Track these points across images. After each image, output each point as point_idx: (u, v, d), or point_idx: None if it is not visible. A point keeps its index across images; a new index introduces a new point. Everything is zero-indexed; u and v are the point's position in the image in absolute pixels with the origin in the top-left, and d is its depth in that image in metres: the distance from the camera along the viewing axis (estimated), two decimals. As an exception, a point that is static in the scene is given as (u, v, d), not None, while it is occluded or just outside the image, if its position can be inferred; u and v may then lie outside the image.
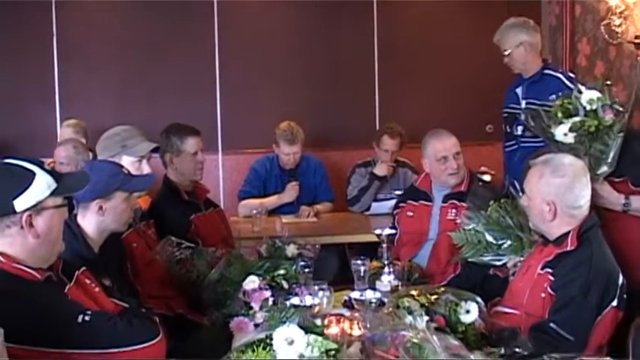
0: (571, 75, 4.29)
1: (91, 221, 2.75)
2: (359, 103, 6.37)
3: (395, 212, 4.11)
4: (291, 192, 5.25)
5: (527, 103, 4.23)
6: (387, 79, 6.37)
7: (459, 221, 3.61)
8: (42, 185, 2.13)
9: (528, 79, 4.29)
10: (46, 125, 6.10)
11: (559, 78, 4.20)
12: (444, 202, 3.81)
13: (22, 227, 2.12)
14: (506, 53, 4.29)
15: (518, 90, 4.34)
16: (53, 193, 2.16)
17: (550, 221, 2.74)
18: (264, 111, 6.05)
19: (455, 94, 5.95)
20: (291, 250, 3.24)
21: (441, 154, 3.77)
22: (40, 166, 2.18)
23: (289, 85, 6.27)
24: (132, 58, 6.19)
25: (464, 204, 3.63)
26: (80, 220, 2.76)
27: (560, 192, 2.71)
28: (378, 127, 6.19)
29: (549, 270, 2.70)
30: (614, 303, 2.63)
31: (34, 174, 2.13)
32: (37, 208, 2.13)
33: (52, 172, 2.19)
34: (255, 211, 4.83)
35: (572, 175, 2.72)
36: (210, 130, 6.10)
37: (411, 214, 3.95)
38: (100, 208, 2.73)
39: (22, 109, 6.08)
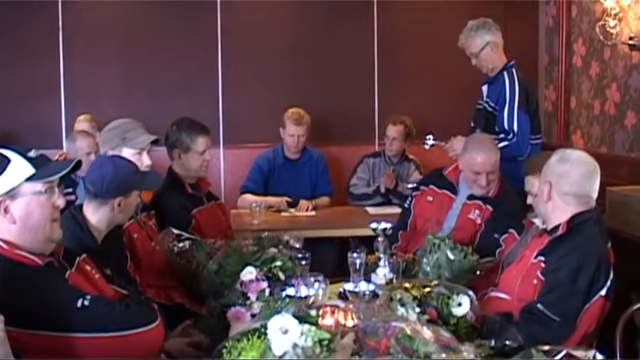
0: (514, 76, 4.35)
1: (103, 215, 2.81)
2: (359, 99, 6.39)
3: (413, 194, 4.09)
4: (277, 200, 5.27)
5: (485, 102, 4.43)
6: (387, 77, 6.40)
7: (478, 222, 3.70)
8: (16, 172, 2.16)
9: (491, 78, 4.43)
10: (52, 118, 6.13)
11: (503, 80, 4.33)
12: (468, 199, 3.80)
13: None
14: (474, 55, 4.40)
15: (484, 87, 4.48)
16: (29, 179, 2.18)
17: (545, 202, 2.87)
18: (265, 106, 6.08)
19: (453, 92, 5.99)
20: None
21: (476, 169, 3.72)
22: (21, 153, 2.20)
23: (290, 81, 6.30)
24: (136, 53, 6.22)
25: (489, 206, 3.70)
26: (86, 211, 2.81)
27: (558, 175, 2.84)
28: (377, 123, 6.27)
29: (542, 258, 2.78)
30: (603, 292, 2.71)
31: (9, 160, 2.16)
32: (10, 194, 2.16)
33: (32, 159, 2.20)
34: (254, 205, 4.88)
35: (573, 164, 2.84)
36: (211, 125, 6.00)
37: (431, 199, 3.94)
38: (119, 204, 2.81)
39: (29, 103, 6.11)
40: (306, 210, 5.21)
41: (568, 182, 2.83)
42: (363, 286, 2.44)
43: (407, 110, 5.78)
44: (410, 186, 4.86)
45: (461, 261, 3.06)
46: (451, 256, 3.07)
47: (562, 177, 2.84)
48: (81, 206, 2.86)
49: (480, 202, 3.74)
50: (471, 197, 3.79)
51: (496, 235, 3.54)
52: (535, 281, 2.75)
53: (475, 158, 3.71)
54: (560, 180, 2.83)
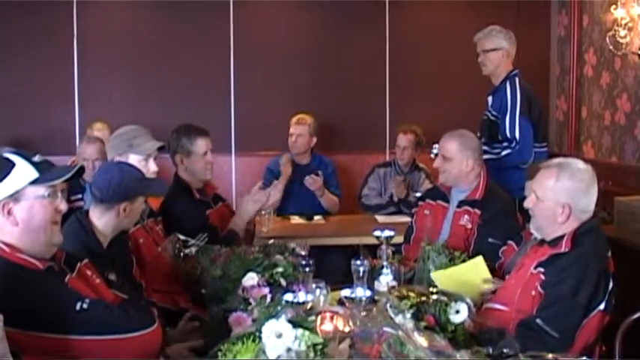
0: (516, 85, 4.38)
1: (108, 220, 2.85)
2: (370, 107, 6.42)
3: (414, 211, 4.18)
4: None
5: (488, 112, 4.46)
6: (398, 83, 6.43)
7: (469, 227, 3.71)
8: (20, 175, 2.21)
9: (495, 88, 4.46)
10: (66, 124, 6.22)
11: (505, 89, 4.37)
12: (458, 207, 3.83)
13: (2, 215, 2.22)
14: (484, 51, 4.47)
15: (489, 98, 4.51)
16: (33, 183, 2.23)
17: (562, 223, 2.79)
18: (277, 113, 6.10)
19: (464, 100, 5.99)
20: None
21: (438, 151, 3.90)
22: (25, 157, 2.25)
23: (302, 88, 6.35)
24: (149, 59, 6.30)
25: (477, 210, 3.71)
26: (92, 216, 2.86)
27: (577, 196, 2.77)
28: (388, 132, 6.28)
29: (541, 269, 2.76)
30: (602, 307, 2.69)
31: (13, 164, 2.22)
32: (14, 196, 2.21)
33: (36, 164, 2.25)
34: (263, 212, 4.89)
35: (589, 180, 2.80)
36: (223, 132, 6.20)
37: (427, 212, 3.99)
38: (124, 210, 2.85)
39: (42, 108, 6.20)
40: (313, 183, 5.25)
41: (587, 201, 2.79)
42: (360, 293, 2.46)
43: (418, 119, 5.79)
44: (418, 194, 4.88)
45: (444, 263, 3.07)
46: (435, 259, 3.08)
47: (582, 197, 2.78)
48: (87, 211, 2.91)
49: (468, 208, 3.77)
50: (460, 205, 3.82)
51: (490, 240, 3.55)
52: (534, 293, 2.73)
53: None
54: (580, 200, 2.78)
